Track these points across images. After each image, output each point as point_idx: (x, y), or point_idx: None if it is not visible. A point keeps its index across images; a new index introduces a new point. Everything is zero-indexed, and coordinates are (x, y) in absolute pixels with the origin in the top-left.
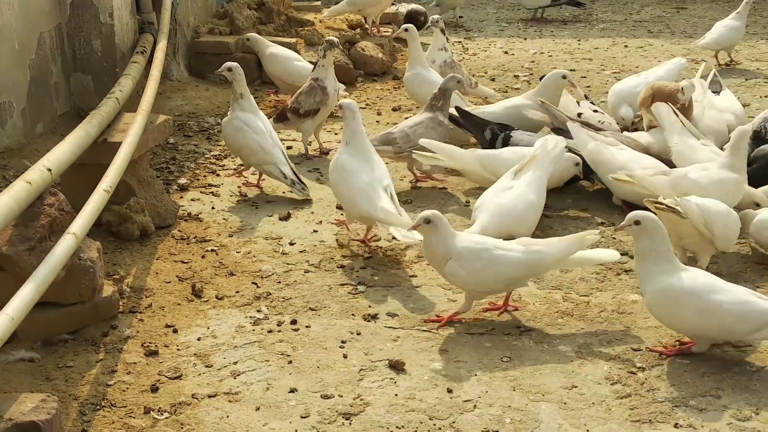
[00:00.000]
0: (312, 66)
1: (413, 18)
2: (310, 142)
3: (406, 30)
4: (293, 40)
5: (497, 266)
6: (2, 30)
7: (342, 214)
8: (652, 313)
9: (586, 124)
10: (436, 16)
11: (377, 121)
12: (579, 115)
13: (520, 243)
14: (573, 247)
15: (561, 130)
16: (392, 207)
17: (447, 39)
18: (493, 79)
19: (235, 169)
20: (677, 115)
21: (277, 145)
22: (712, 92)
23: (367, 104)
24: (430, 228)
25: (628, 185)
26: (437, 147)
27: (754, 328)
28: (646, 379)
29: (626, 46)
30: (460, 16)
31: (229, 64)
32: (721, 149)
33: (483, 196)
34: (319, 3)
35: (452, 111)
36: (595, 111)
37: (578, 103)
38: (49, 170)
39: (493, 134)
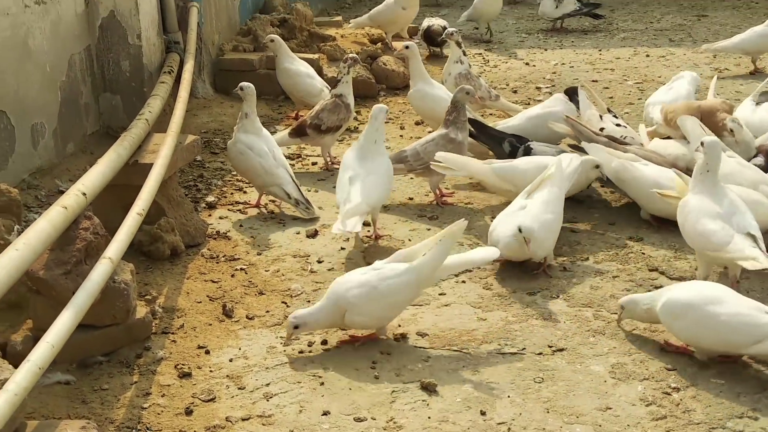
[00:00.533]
0: (321, 84)
1: (429, 36)
2: (330, 156)
3: (407, 47)
4: (315, 55)
5: (391, 297)
6: (34, 53)
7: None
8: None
9: (612, 140)
10: (451, 29)
11: (401, 135)
12: (601, 129)
13: (399, 257)
14: (447, 242)
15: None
16: (356, 204)
17: (464, 52)
18: (515, 91)
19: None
20: (703, 129)
21: (281, 165)
22: (756, 104)
23: (389, 118)
24: (302, 329)
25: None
26: (452, 161)
27: (752, 341)
28: (681, 399)
29: (648, 56)
30: (486, 28)
31: (243, 83)
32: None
33: (497, 219)
34: (340, 18)
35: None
36: (618, 125)
37: (600, 117)
38: (84, 194)
39: (512, 147)
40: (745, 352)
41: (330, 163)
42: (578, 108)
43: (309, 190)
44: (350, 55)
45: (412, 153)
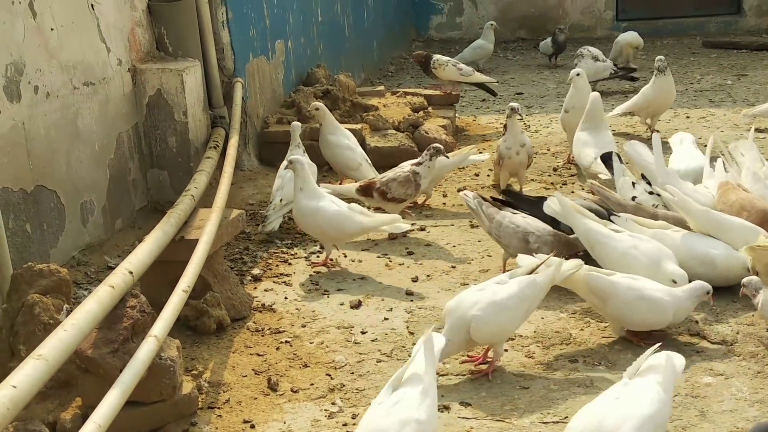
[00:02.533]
0: (361, 156)
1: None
2: None
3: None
4: (359, 126)
5: None
6: (83, 133)
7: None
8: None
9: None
10: (514, 104)
11: (443, 204)
12: (633, 198)
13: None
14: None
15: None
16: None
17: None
18: (555, 156)
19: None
20: None
21: (279, 188)
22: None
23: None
24: None
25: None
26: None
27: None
28: None
29: (688, 117)
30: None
31: (293, 123)
32: None
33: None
34: (383, 87)
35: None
36: (651, 192)
37: (633, 184)
38: (131, 273)
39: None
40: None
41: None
42: (612, 174)
43: (352, 261)
44: (435, 145)
45: (498, 221)
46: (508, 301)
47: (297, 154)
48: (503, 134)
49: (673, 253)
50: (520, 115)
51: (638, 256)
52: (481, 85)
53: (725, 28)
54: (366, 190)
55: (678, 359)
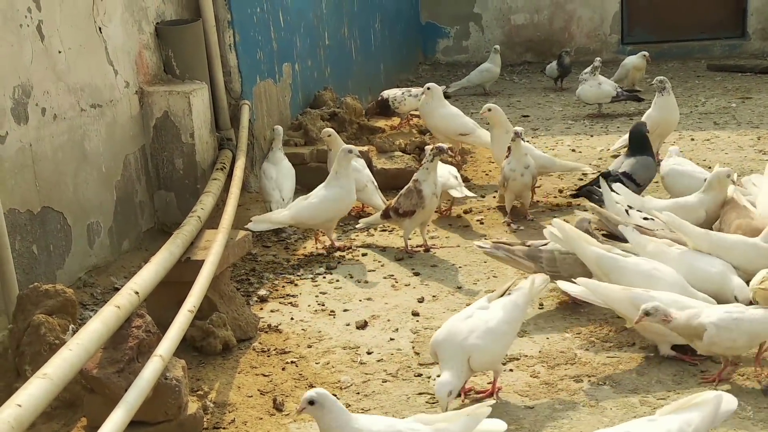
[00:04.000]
0: (367, 178)
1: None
2: (410, 238)
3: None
4: (365, 147)
5: None
6: (90, 155)
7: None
8: None
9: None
10: (518, 129)
11: (449, 224)
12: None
13: (419, 420)
14: (472, 422)
15: (614, 235)
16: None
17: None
18: (561, 177)
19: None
20: None
21: (277, 188)
22: None
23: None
24: (317, 410)
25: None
26: (593, 289)
27: None
28: None
29: (692, 140)
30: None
31: (275, 126)
32: None
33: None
34: None
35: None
36: (646, 218)
37: (627, 211)
38: (137, 293)
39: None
40: None
41: (408, 248)
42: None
43: (358, 282)
44: (438, 145)
45: (548, 257)
46: (501, 326)
47: (277, 158)
48: (507, 157)
49: (675, 269)
50: (523, 138)
51: (663, 277)
52: None
53: (730, 51)
54: (386, 214)
55: (728, 402)
